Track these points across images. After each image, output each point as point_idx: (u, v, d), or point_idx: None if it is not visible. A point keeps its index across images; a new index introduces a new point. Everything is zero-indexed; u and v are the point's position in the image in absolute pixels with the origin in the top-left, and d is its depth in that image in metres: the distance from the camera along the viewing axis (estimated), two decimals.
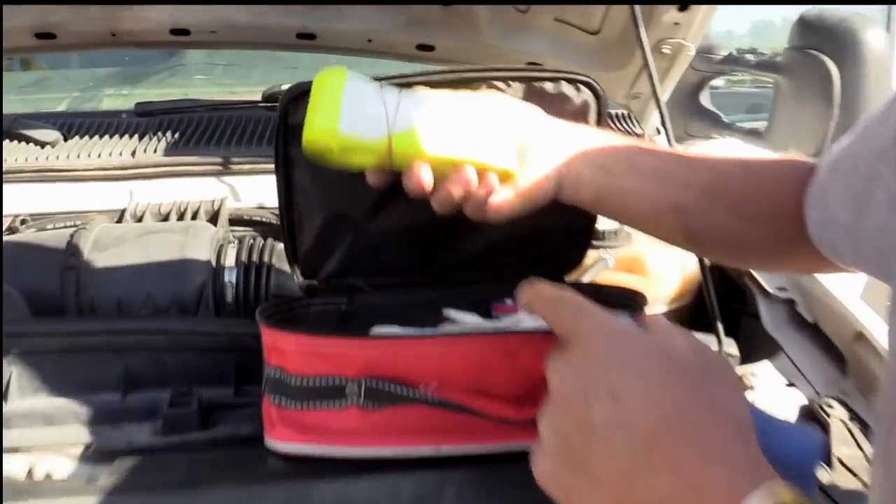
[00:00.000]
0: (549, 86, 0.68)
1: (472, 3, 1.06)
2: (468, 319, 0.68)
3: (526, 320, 0.65)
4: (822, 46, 1.41)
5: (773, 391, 0.94)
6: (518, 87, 0.68)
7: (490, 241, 0.75)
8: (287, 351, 0.58)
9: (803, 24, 1.48)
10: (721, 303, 1.00)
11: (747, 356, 0.99)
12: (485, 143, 0.59)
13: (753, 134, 1.60)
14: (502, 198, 0.61)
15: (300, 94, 0.63)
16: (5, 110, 1.28)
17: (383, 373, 0.57)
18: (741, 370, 0.96)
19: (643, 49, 0.92)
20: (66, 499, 0.60)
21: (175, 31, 1.13)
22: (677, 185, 0.63)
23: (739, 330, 1.14)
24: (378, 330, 0.64)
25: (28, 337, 0.77)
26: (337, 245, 0.72)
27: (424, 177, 0.58)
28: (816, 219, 0.56)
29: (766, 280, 1.08)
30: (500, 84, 0.67)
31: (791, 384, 0.96)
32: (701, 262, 0.98)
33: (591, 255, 1.00)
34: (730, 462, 0.35)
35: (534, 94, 0.69)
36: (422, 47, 1.20)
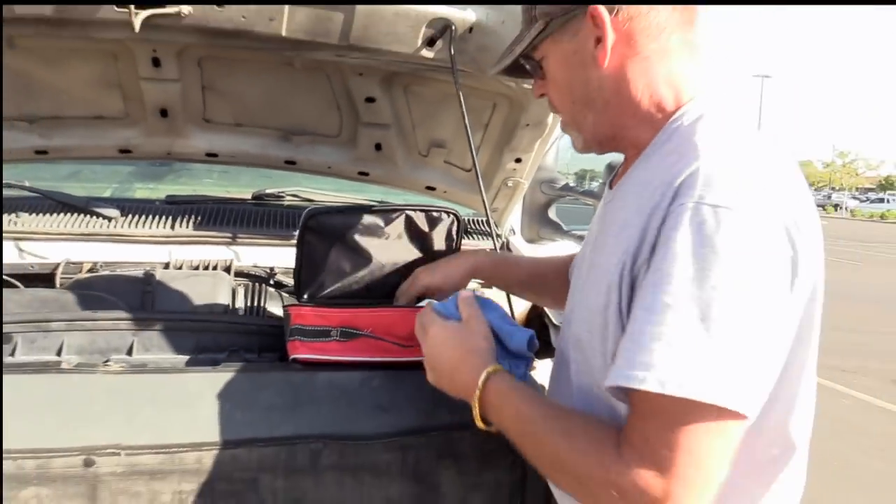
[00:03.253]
0: (422, 216, 1.41)
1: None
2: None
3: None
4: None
5: None
6: (399, 220, 1.40)
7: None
8: (305, 315, 1.25)
9: (609, 167, 2.29)
10: (542, 328, 1.72)
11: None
12: None
13: (581, 238, 2.41)
14: None
15: (314, 215, 1.34)
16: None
17: (348, 324, 1.25)
18: None
19: (476, 170, 1.67)
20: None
21: (209, 154, 1.81)
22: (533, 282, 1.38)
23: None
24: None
25: (147, 320, 1.40)
26: (328, 286, 1.40)
27: None
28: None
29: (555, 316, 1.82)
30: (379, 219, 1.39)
31: None
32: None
33: None
34: (476, 360, 1.03)
35: (413, 223, 1.41)
36: (362, 173, 1.92)
